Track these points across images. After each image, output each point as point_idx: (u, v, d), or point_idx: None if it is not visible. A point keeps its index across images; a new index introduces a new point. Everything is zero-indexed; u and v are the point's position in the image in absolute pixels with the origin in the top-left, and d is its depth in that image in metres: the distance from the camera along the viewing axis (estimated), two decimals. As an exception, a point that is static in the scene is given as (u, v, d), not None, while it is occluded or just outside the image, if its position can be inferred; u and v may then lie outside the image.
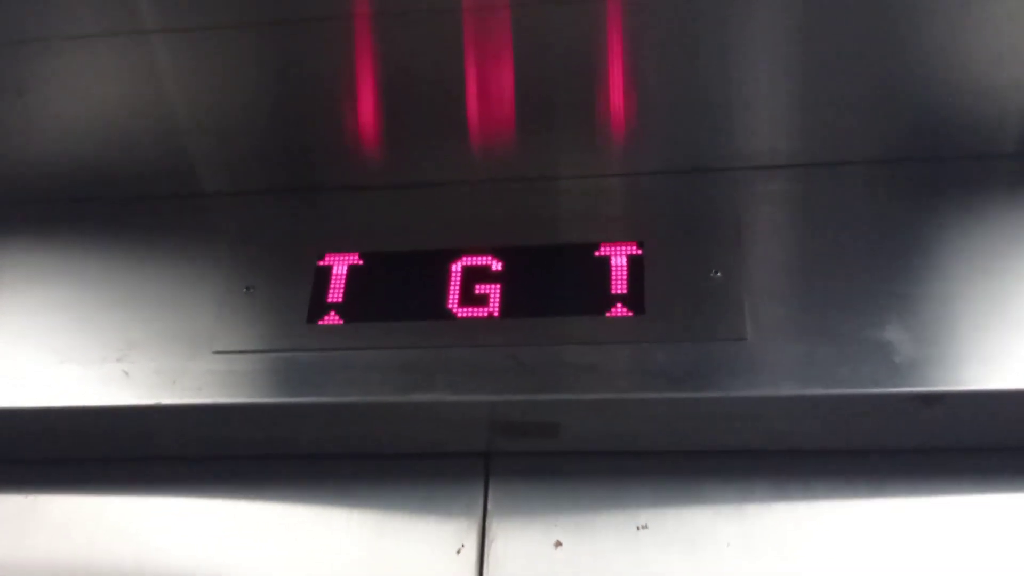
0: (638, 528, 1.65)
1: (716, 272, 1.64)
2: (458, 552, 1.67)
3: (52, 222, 1.91)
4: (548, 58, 1.72)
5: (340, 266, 1.75)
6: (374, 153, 1.87)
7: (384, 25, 1.69)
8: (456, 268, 1.72)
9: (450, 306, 1.69)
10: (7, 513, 1.80)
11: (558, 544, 1.65)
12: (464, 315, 1.68)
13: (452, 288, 1.70)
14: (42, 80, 1.78)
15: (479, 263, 1.72)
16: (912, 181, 1.70)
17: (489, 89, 1.78)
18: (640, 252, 1.68)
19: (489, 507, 1.70)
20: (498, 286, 1.69)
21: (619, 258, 1.69)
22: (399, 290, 1.72)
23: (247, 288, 1.75)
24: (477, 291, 1.70)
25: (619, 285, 1.66)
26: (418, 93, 1.77)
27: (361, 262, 1.76)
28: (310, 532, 1.72)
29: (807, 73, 1.69)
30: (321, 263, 1.76)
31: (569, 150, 1.82)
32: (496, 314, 1.67)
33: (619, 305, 1.65)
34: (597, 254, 1.70)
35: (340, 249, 1.77)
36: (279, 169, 1.88)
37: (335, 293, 1.73)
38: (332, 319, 1.71)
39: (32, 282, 1.84)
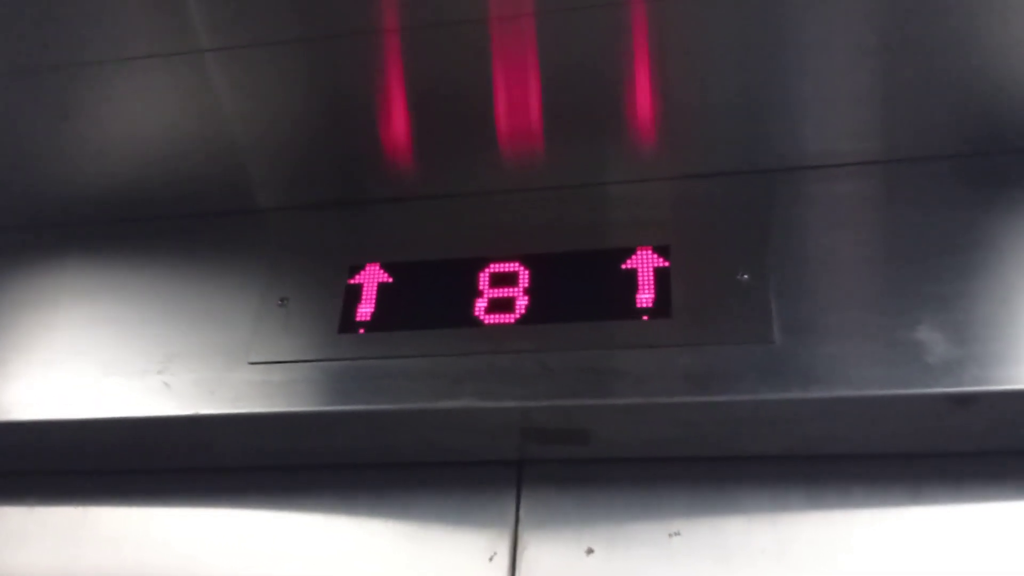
0: (670, 535, 1.63)
1: (743, 275, 1.63)
2: (490, 560, 1.67)
3: (98, 241, 1.98)
4: (573, 65, 1.73)
5: (371, 277, 1.79)
6: (407, 165, 1.90)
7: (420, 38, 1.72)
8: (483, 276, 1.74)
9: (477, 313, 1.70)
10: (60, 525, 1.86)
11: (590, 551, 1.65)
12: (491, 322, 1.69)
13: (479, 295, 1.72)
14: (94, 102, 1.85)
15: (506, 270, 1.74)
16: (943, 179, 1.66)
17: (518, 98, 1.80)
18: (667, 256, 1.68)
19: (521, 514, 1.70)
20: (525, 293, 1.71)
21: (646, 262, 1.69)
22: (428, 299, 1.75)
23: (281, 300, 1.80)
24: (504, 298, 1.71)
25: (646, 289, 1.66)
26: (450, 104, 1.80)
27: (391, 272, 1.79)
28: (347, 541, 1.74)
29: (834, 73, 1.67)
30: (352, 274, 1.79)
31: (595, 157, 1.83)
32: (523, 320, 1.68)
33: (646, 309, 1.64)
34: (623, 259, 1.70)
35: (371, 260, 1.81)
36: (316, 184, 1.93)
37: (366, 303, 1.76)
38: (363, 329, 1.74)
39: (79, 299, 1.91)
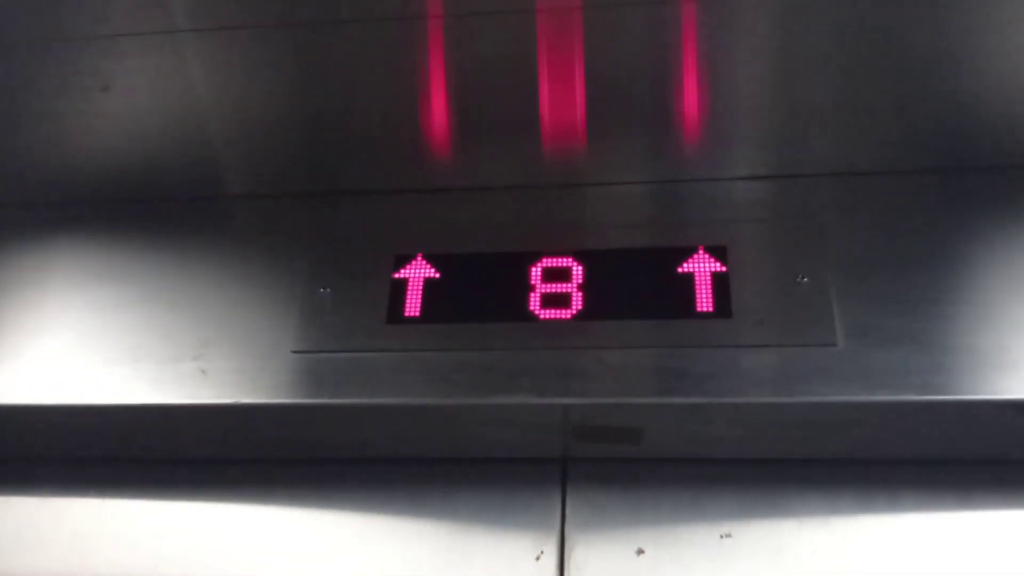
0: (721, 537, 1.62)
1: (803, 277, 1.62)
2: (537, 559, 1.64)
3: (122, 222, 1.89)
4: (623, 61, 1.71)
5: (418, 267, 1.74)
6: (444, 155, 1.87)
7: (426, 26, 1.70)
8: (536, 270, 1.71)
9: (532, 308, 1.67)
10: (75, 515, 1.77)
11: (640, 552, 1.63)
12: (547, 317, 1.66)
13: (533, 290, 1.69)
14: (115, 78, 1.77)
15: (560, 265, 1.71)
16: (1004, 190, 1.68)
17: (560, 92, 1.78)
18: (724, 257, 1.67)
19: (568, 513, 1.68)
20: (580, 289, 1.68)
21: (703, 262, 1.67)
22: (479, 291, 1.71)
23: (323, 288, 1.74)
24: (558, 293, 1.68)
25: (704, 289, 1.65)
26: (492, 92, 1.77)
27: (438, 263, 1.74)
28: (383, 540, 1.69)
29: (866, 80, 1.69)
30: (399, 264, 1.74)
31: (643, 154, 1.82)
32: (579, 317, 1.65)
33: (705, 309, 1.63)
34: (680, 258, 1.68)
35: (414, 250, 1.76)
36: (351, 171, 1.88)
37: (414, 294, 1.72)
38: (412, 319, 1.69)
39: (103, 281, 1.82)
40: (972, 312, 1.56)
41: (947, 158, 1.72)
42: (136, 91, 1.77)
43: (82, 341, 1.75)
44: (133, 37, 1.70)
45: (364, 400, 1.62)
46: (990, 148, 1.70)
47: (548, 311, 1.67)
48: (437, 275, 1.73)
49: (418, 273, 1.74)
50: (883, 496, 1.62)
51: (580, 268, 1.70)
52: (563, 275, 1.70)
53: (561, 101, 1.78)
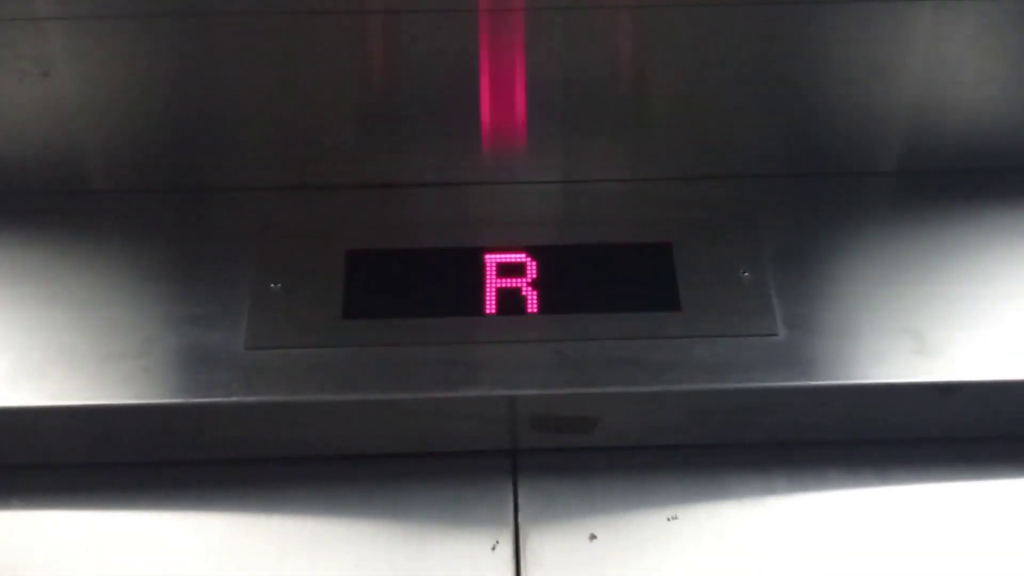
0: (668, 519, 1.70)
1: (744, 272, 1.73)
2: (493, 549, 1.67)
3: (42, 215, 1.80)
4: (563, 63, 1.78)
5: (371, 262, 1.74)
6: (388, 152, 1.87)
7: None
8: (491, 266, 1.74)
9: (488, 302, 1.70)
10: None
11: (593, 537, 1.68)
12: (503, 311, 1.69)
13: (488, 284, 1.72)
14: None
15: (513, 260, 1.75)
16: (933, 189, 1.86)
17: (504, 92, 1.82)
18: (669, 252, 1.76)
19: (520, 503, 1.71)
20: (534, 284, 1.73)
21: (651, 257, 1.76)
22: (434, 287, 1.72)
23: (274, 284, 1.71)
24: (513, 288, 1.72)
25: (654, 283, 1.73)
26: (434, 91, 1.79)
27: (392, 258, 1.75)
28: (335, 541, 1.66)
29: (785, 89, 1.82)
30: (350, 258, 1.74)
31: (585, 155, 1.88)
32: (535, 311, 1.70)
33: (655, 302, 1.71)
34: (629, 253, 1.76)
35: (365, 245, 1.76)
36: (294, 166, 1.87)
37: (368, 288, 1.71)
38: (367, 314, 1.69)
39: (28, 277, 1.72)
40: (895, 304, 1.71)
41: (864, 162, 1.88)
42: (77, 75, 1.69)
43: (10, 338, 1.65)
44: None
45: (324, 396, 1.61)
46: (904, 154, 1.87)
47: (504, 305, 1.70)
48: (391, 270, 1.74)
49: (371, 268, 1.74)
50: (812, 476, 1.74)
51: (534, 263, 1.75)
52: (517, 270, 1.74)
53: (502, 99, 1.83)
